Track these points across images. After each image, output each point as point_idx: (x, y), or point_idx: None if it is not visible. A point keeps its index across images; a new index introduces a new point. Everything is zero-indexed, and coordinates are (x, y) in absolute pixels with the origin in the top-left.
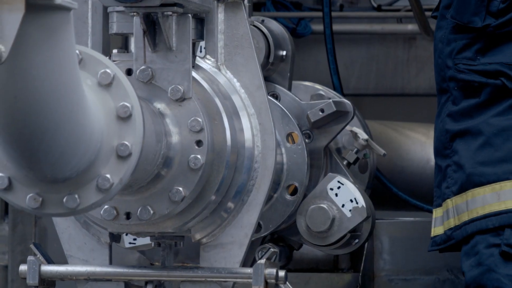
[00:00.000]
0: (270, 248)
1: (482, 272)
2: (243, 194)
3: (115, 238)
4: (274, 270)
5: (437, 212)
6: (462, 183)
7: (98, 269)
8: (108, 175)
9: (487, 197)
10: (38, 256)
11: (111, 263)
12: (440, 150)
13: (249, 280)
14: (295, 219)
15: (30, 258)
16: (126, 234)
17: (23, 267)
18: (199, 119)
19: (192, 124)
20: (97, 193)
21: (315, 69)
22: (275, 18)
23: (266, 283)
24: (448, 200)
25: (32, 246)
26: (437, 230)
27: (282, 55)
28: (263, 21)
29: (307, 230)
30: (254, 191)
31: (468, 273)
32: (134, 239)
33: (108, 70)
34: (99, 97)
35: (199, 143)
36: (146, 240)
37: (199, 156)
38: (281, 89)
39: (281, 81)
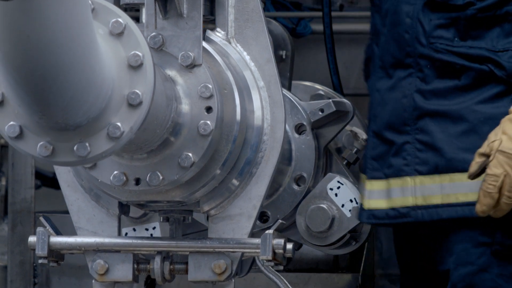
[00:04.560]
0: (278, 219)
1: (472, 271)
2: (252, 166)
3: (124, 209)
4: (282, 241)
5: (373, 185)
6: (438, 166)
7: (107, 240)
8: (118, 123)
9: (472, 184)
10: (47, 228)
11: (119, 234)
12: (396, 125)
13: (257, 250)
14: (295, 219)
15: (39, 229)
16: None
17: (32, 239)
18: (209, 86)
19: (202, 90)
20: (108, 141)
21: (314, 69)
22: (275, 18)
23: (274, 253)
24: (408, 178)
25: (41, 218)
26: (374, 203)
27: (282, 55)
28: None
29: (307, 230)
30: (263, 163)
31: (454, 271)
32: None
33: (120, 20)
34: (111, 46)
35: (209, 109)
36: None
37: (208, 122)
38: None
39: (281, 81)
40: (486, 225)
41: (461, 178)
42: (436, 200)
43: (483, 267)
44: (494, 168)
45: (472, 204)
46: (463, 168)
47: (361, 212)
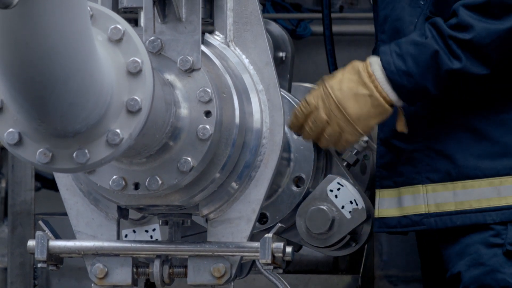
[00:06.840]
0: (277, 223)
1: (484, 272)
2: (251, 170)
3: (123, 213)
4: (281, 244)
5: (383, 194)
6: (451, 173)
7: (106, 244)
8: (118, 130)
9: (484, 191)
10: (46, 232)
11: (119, 238)
12: (403, 133)
13: (256, 254)
14: (294, 220)
15: (38, 233)
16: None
17: (31, 243)
18: (208, 90)
19: (201, 94)
20: (107, 148)
21: (314, 70)
22: (275, 20)
23: (273, 257)
24: (420, 186)
25: (40, 222)
26: (385, 212)
27: (282, 57)
28: None
29: (307, 231)
30: (262, 167)
31: (465, 273)
32: None
33: (118, 26)
34: (110, 52)
35: (208, 114)
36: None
37: (207, 127)
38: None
39: (281, 83)
40: (498, 227)
41: (473, 184)
42: (450, 207)
43: (495, 267)
44: (311, 97)
45: (485, 210)
46: (475, 175)
47: (374, 221)
